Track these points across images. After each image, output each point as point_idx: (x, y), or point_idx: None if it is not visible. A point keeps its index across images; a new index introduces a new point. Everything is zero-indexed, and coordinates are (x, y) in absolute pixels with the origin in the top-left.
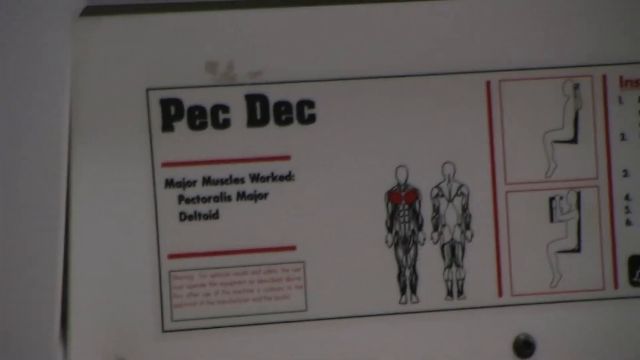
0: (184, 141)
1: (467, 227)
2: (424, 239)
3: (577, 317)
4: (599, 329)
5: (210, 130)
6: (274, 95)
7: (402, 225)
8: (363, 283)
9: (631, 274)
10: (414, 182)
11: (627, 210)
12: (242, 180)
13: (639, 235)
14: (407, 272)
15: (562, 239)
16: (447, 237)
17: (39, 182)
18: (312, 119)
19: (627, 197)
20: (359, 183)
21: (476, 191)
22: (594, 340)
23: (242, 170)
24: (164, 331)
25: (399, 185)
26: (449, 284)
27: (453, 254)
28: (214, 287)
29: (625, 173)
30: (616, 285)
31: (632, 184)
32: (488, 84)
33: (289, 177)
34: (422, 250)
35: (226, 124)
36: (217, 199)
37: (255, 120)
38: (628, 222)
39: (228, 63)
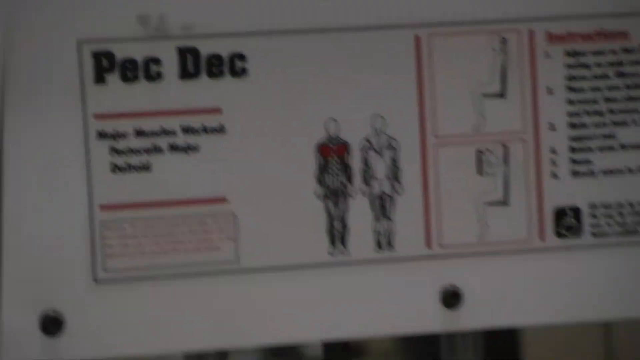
0: (116, 93)
1: (397, 180)
2: (354, 192)
3: (504, 268)
4: (525, 280)
5: (142, 82)
6: (206, 48)
7: (332, 177)
8: (293, 235)
9: (557, 225)
10: (344, 135)
11: (553, 163)
12: (173, 133)
13: (565, 187)
14: (337, 224)
15: (490, 192)
16: (376, 189)
17: None
18: (243, 72)
19: (553, 151)
20: (290, 136)
21: (406, 144)
22: (520, 291)
23: (173, 123)
24: (96, 281)
25: (329, 138)
26: (379, 235)
27: (382, 207)
28: (145, 238)
29: (552, 126)
30: (542, 237)
31: (559, 137)
32: (417, 38)
33: (220, 129)
34: (351, 202)
35: (158, 76)
36: (149, 151)
37: (187, 73)
38: (554, 175)
39: (160, 16)
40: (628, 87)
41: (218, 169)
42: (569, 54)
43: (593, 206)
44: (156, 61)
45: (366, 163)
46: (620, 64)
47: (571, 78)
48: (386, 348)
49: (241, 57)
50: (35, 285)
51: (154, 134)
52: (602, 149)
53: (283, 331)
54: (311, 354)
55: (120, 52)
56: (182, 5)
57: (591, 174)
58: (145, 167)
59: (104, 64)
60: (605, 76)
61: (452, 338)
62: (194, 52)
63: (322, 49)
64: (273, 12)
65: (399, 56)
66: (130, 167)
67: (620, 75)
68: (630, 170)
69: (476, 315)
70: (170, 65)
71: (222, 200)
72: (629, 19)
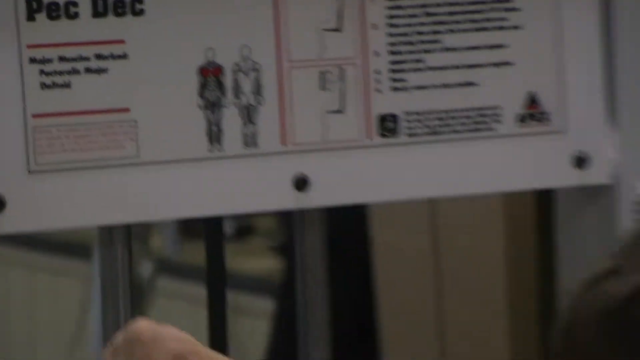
0: (44, 28)
1: (259, 94)
2: (227, 103)
3: (341, 160)
4: (358, 169)
5: (63, 20)
6: None
7: (210, 92)
8: (181, 136)
9: (380, 128)
10: (219, 60)
11: (377, 81)
12: (88, 59)
13: (386, 99)
14: (214, 128)
15: (330, 103)
16: (244, 101)
17: None
18: (141, 12)
19: (377, 72)
20: (178, 61)
21: (266, 67)
22: (354, 177)
23: (88, 51)
24: (29, 172)
25: (207, 62)
26: (246, 137)
27: (249, 114)
28: (67, 139)
29: (376, 53)
30: (370, 137)
31: (382, 61)
32: None
33: (124, 56)
34: (225, 111)
35: (76, 15)
36: (69, 72)
37: (98, 13)
38: (378, 90)
39: None
40: (433, 23)
41: (122, 86)
42: None
43: (407, 113)
44: (74, 4)
45: (236, 81)
46: (426, 6)
47: (391, 17)
48: (270, 227)
49: (140, 0)
50: None
51: (73, 59)
52: (414, 70)
53: (174, 208)
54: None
55: None
56: None
57: (405, 89)
58: (67, 85)
59: (34, 6)
60: (416, 15)
61: (304, 217)
62: None
63: None
64: None
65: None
66: (55, 85)
67: (427, 14)
68: (434, 86)
69: (320, 196)
70: (85, 7)
71: (126, 110)
72: None
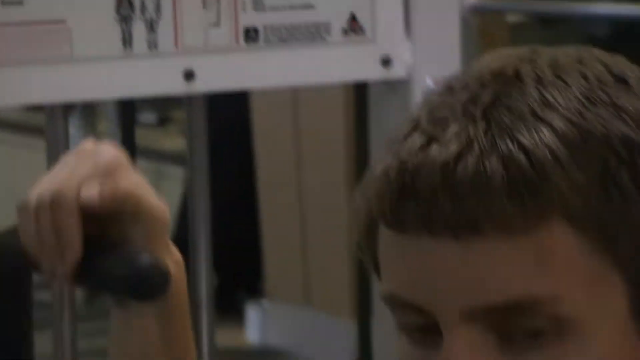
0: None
1: (159, 11)
2: (137, 20)
3: (218, 59)
4: (228, 67)
5: None
6: None
7: (124, 10)
8: (103, 41)
9: (245, 37)
10: None
11: (243, 3)
12: None
13: (250, 17)
14: (127, 36)
15: (210, 18)
16: (148, 17)
17: None
18: None
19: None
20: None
21: None
22: (227, 72)
23: None
24: None
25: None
26: (149, 42)
27: (152, 27)
28: (22, 42)
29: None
30: (238, 42)
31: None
32: None
33: None
34: (136, 25)
35: None
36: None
37: None
38: (244, 10)
39: None
40: None
41: (60, 5)
42: None
43: (265, 27)
44: None
45: (142, 2)
46: None
47: None
48: (184, 117)
49: None
50: None
51: None
52: None
53: (97, 92)
54: (145, 122)
55: None
56: None
57: (263, 10)
58: (20, 3)
59: None
60: None
61: (191, 102)
62: None
63: None
64: None
65: None
66: (12, 3)
67: None
68: (284, 8)
69: (203, 85)
70: None
71: (63, 21)
72: None
